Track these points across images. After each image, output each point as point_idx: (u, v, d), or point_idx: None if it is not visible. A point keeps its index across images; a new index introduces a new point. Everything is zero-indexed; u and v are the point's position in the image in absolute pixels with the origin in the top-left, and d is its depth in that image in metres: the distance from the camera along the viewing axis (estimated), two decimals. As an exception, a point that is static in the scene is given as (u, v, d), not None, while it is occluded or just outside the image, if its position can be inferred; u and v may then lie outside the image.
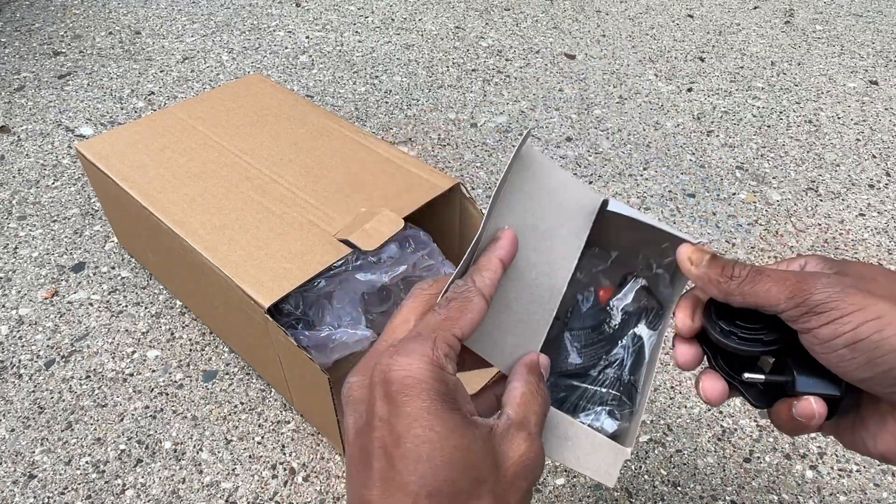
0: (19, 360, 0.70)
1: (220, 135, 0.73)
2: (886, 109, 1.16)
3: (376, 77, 1.20)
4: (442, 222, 0.70)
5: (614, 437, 0.37)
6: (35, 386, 0.68)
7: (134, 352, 0.71)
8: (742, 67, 1.28)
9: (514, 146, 1.03)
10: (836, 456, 0.63)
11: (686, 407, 0.67)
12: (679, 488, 0.60)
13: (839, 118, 1.13)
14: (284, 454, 0.62)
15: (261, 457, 0.62)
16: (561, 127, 1.09)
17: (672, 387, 0.69)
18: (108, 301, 0.76)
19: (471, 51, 1.30)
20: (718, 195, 0.95)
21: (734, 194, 0.96)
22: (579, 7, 1.49)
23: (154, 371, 0.69)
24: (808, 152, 1.05)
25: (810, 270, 0.34)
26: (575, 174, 0.98)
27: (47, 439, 0.63)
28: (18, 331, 0.73)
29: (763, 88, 1.21)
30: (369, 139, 0.73)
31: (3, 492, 0.59)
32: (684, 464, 0.62)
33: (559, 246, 0.38)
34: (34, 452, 0.62)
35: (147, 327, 0.74)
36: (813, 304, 0.30)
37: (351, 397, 0.30)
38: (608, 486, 0.38)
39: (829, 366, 0.31)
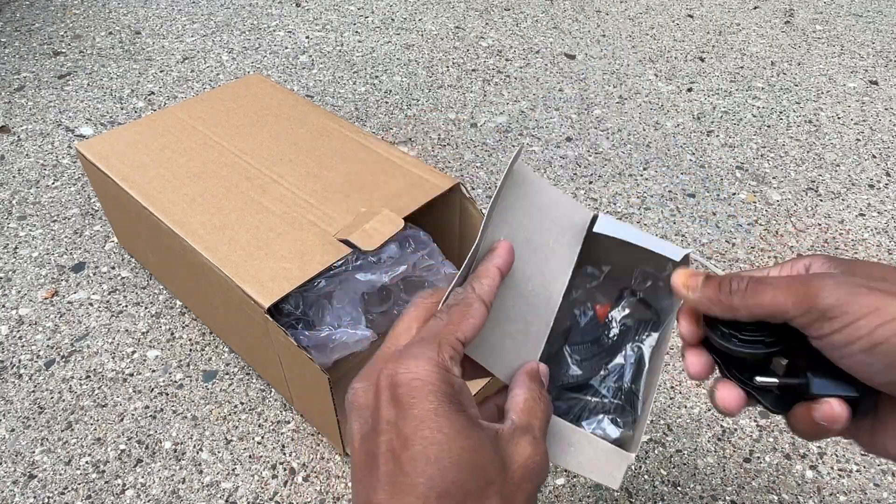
0: (19, 360, 0.70)
1: (220, 135, 0.73)
2: (886, 109, 1.16)
3: (376, 77, 1.20)
4: (442, 222, 0.70)
5: (618, 443, 0.37)
6: (35, 386, 0.68)
7: (134, 352, 0.71)
8: (742, 67, 1.28)
9: (514, 146, 1.03)
10: (836, 456, 0.63)
11: (686, 407, 0.67)
12: (679, 488, 0.60)
13: (839, 118, 1.13)
14: (284, 454, 0.62)
15: (261, 457, 0.62)
16: (561, 127, 1.09)
17: (672, 387, 0.69)
18: (108, 301, 0.76)
19: (471, 51, 1.30)
20: (718, 195, 0.95)
21: (734, 194, 0.96)
22: (579, 7, 1.49)
23: (154, 371, 0.69)
24: (808, 152, 1.05)
25: (815, 271, 0.32)
26: (574, 174, 0.98)
27: (47, 439, 0.63)
28: (18, 331, 0.73)
29: (763, 88, 1.21)
30: (369, 139, 0.73)
31: (3, 492, 0.59)
32: (684, 464, 0.62)
33: (552, 259, 0.39)
34: (34, 452, 0.62)
35: (147, 327, 0.74)
36: (822, 309, 0.28)
37: (356, 403, 0.30)
38: (612, 489, 0.38)
39: (848, 370, 0.29)
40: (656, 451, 0.63)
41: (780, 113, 1.14)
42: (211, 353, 0.71)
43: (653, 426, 0.65)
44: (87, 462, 0.61)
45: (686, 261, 0.40)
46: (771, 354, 0.32)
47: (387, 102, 1.13)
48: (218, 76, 1.19)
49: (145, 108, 1.10)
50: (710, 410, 0.66)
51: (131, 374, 0.69)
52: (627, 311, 0.43)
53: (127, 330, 0.73)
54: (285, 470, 0.61)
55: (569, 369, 0.41)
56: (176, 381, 0.68)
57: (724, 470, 0.62)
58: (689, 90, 1.20)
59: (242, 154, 0.70)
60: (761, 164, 1.02)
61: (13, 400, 0.66)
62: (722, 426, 0.65)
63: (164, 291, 0.78)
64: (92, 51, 1.25)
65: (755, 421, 0.66)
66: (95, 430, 0.64)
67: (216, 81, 1.17)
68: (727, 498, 0.60)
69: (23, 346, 0.72)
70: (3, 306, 0.76)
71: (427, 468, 0.26)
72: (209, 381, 0.68)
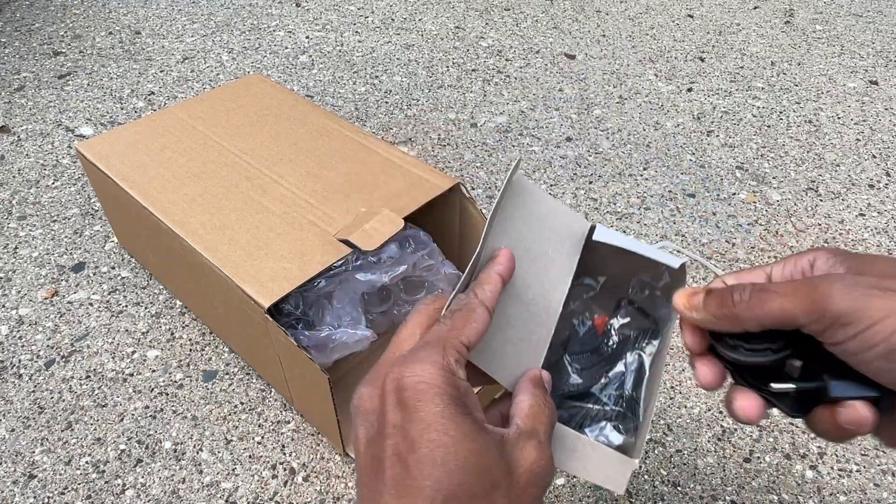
0: (19, 360, 0.70)
1: (220, 135, 0.73)
2: (886, 109, 1.16)
3: (376, 77, 1.20)
4: (442, 222, 0.70)
5: (621, 449, 0.38)
6: (35, 386, 0.68)
7: (134, 352, 0.71)
8: (742, 67, 1.28)
9: (514, 146, 1.03)
10: (836, 456, 0.63)
11: (686, 407, 0.67)
12: (679, 488, 0.60)
13: (839, 118, 1.13)
14: (284, 454, 0.62)
15: (261, 457, 0.62)
16: (561, 127, 1.09)
17: (672, 387, 0.69)
18: (108, 301, 0.76)
19: (471, 51, 1.30)
20: (718, 195, 0.95)
21: (734, 194, 0.96)
22: (579, 7, 1.49)
23: (154, 371, 0.69)
24: (808, 152, 1.05)
25: (821, 271, 0.31)
26: (574, 174, 0.98)
27: (47, 439, 0.63)
28: (18, 331, 0.73)
29: (763, 88, 1.21)
30: (369, 139, 0.73)
31: (3, 492, 0.59)
32: (684, 464, 0.62)
33: (552, 268, 0.40)
34: (34, 452, 0.62)
35: (147, 327, 0.74)
36: (835, 315, 0.27)
37: (361, 408, 0.30)
38: (618, 494, 0.38)
39: (866, 374, 0.28)
40: (656, 451, 0.63)
41: (780, 113, 1.14)
42: (211, 353, 0.71)
43: (653, 426, 0.65)
44: (87, 462, 0.61)
45: (683, 269, 0.40)
46: (782, 359, 0.31)
47: (387, 102, 1.13)
48: (218, 76, 1.19)
49: (145, 108, 1.10)
50: (709, 410, 0.66)
51: (131, 374, 0.69)
52: (626, 320, 0.43)
53: (127, 330, 0.73)
54: (285, 470, 0.61)
55: (569, 378, 0.41)
56: (176, 381, 0.68)
57: (724, 470, 0.62)
58: (689, 90, 1.20)
59: (242, 154, 0.70)
60: (761, 164, 1.02)
61: (13, 400, 0.66)
62: (722, 426, 0.65)
63: (164, 291, 0.78)
64: (92, 51, 1.25)
65: (755, 421, 0.66)
66: (95, 430, 0.64)
67: (216, 81, 1.17)
68: (727, 498, 0.60)
69: (23, 346, 0.72)
70: (3, 306, 0.76)
71: (434, 471, 0.26)
72: (209, 381, 0.68)
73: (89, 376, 0.69)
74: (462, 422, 0.28)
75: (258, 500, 0.59)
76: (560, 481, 0.61)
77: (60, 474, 0.60)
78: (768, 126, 1.11)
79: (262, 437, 0.63)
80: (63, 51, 1.25)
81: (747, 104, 1.17)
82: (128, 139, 0.72)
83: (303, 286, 0.56)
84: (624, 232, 0.88)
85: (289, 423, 0.65)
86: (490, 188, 0.95)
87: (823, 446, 0.64)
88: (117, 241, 0.84)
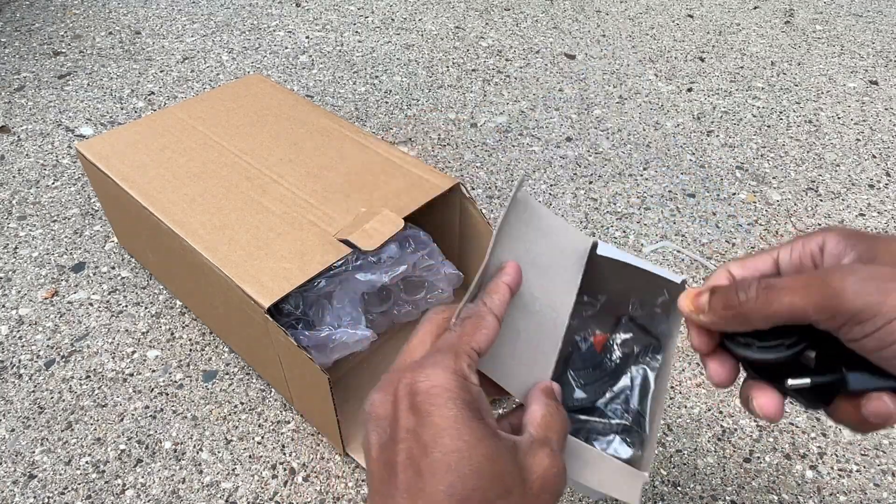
0: (19, 360, 0.70)
1: (220, 135, 0.73)
2: (886, 109, 1.16)
3: (376, 77, 1.20)
4: (442, 222, 0.70)
5: (629, 462, 0.38)
6: (35, 386, 0.68)
7: (134, 352, 0.71)
8: (742, 67, 1.28)
9: (514, 146, 1.03)
10: (836, 456, 0.63)
11: (686, 407, 0.67)
12: (679, 488, 0.60)
13: (839, 118, 1.13)
14: (284, 454, 0.62)
15: (261, 457, 0.62)
16: (561, 127, 1.09)
17: (672, 387, 0.69)
18: (108, 301, 0.76)
19: (471, 51, 1.30)
20: (718, 195, 0.95)
21: (734, 194, 0.96)
22: (579, 7, 1.49)
23: (154, 371, 0.69)
24: (808, 152, 1.05)
25: (831, 256, 0.30)
26: (574, 174, 0.98)
27: (47, 439, 0.63)
28: (18, 331, 0.73)
29: (763, 88, 1.21)
30: (369, 139, 0.73)
31: (3, 492, 0.59)
32: (684, 464, 0.62)
33: (558, 281, 0.40)
34: (34, 452, 0.62)
35: (147, 327, 0.74)
36: (850, 312, 0.26)
37: (373, 413, 0.30)
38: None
39: (887, 370, 0.27)
40: (656, 451, 0.63)
41: (780, 113, 1.14)
42: (211, 353, 0.71)
43: (653, 426, 0.65)
44: (87, 462, 0.61)
45: (684, 286, 0.41)
46: (797, 354, 0.30)
47: (387, 102, 1.13)
48: (218, 76, 1.19)
49: (145, 108, 1.10)
50: (709, 410, 0.66)
51: (131, 374, 0.69)
52: (627, 336, 0.44)
53: (127, 330, 0.73)
54: (285, 470, 0.61)
55: (573, 392, 0.42)
56: (176, 381, 0.68)
57: (724, 470, 0.62)
58: (689, 90, 1.20)
59: (242, 154, 0.70)
60: (761, 164, 1.02)
61: (13, 400, 0.66)
62: (722, 426, 0.65)
63: (164, 291, 0.78)
64: (92, 51, 1.25)
65: (755, 421, 0.66)
66: (95, 430, 0.64)
67: (216, 81, 1.17)
68: (727, 498, 0.60)
69: (23, 346, 0.72)
70: (3, 306, 0.76)
71: (447, 476, 0.26)
72: (209, 381, 0.68)
73: (89, 376, 0.69)
74: (475, 427, 0.27)
75: (258, 500, 0.59)
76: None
77: (60, 474, 0.60)
78: (768, 126, 1.11)
79: (262, 437, 0.63)
80: (63, 51, 1.25)
81: (747, 104, 1.17)
82: (128, 139, 0.72)
83: (303, 286, 0.56)
84: (624, 232, 0.88)
85: (289, 423, 0.65)
86: (490, 188, 0.95)
87: (823, 446, 0.64)
88: (117, 241, 0.84)
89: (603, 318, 0.45)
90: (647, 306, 0.44)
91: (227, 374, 0.69)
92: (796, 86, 1.22)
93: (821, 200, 0.95)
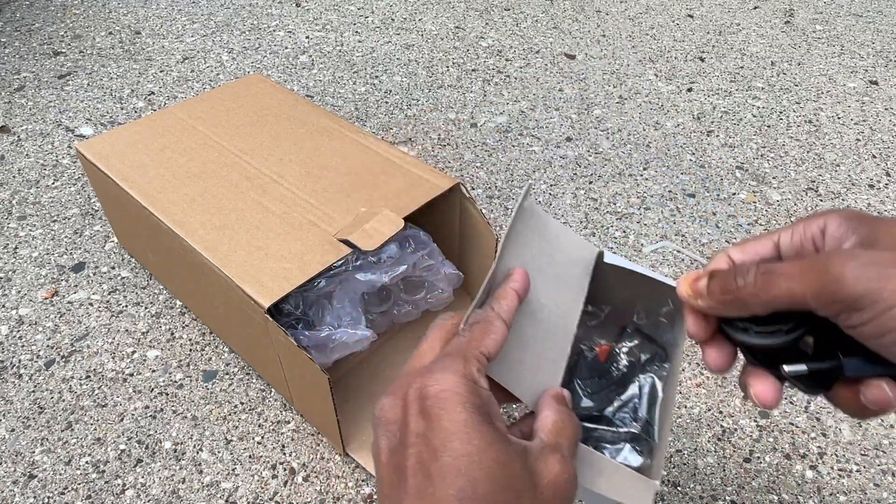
0: (19, 360, 0.70)
1: (220, 135, 0.73)
2: (886, 109, 1.16)
3: (376, 77, 1.20)
4: (442, 222, 0.70)
5: (639, 471, 0.38)
6: (35, 386, 0.68)
7: (134, 352, 0.71)
8: (742, 67, 1.28)
9: (514, 146, 1.03)
10: (836, 456, 0.63)
11: (686, 407, 0.67)
12: (679, 488, 0.60)
13: (839, 118, 1.13)
14: (284, 454, 0.62)
15: (261, 457, 0.62)
16: (561, 127, 1.09)
17: (672, 387, 0.69)
18: (108, 301, 0.76)
19: (471, 51, 1.30)
20: (718, 195, 0.95)
21: (734, 194, 0.96)
22: (579, 7, 1.49)
23: (154, 371, 0.69)
24: (808, 152, 1.05)
25: (832, 239, 0.30)
26: (574, 174, 0.98)
27: (47, 439, 0.63)
28: (18, 331, 0.73)
29: (763, 88, 1.21)
30: (369, 139, 0.73)
31: (3, 492, 0.59)
32: (684, 464, 0.62)
33: (565, 290, 0.40)
34: (34, 452, 0.62)
35: (147, 327, 0.74)
36: (848, 299, 0.25)
37: (383, 418, 0.30)
38: None
39: (886, 357, 0.26)
40: (656, 451, 0.63)
41: (780, 113, 1.14)
42: (211, 353, 0.71)
43: (653, 426, 0.65)
44: (87, 462, 0.61)
45: None
46: (795, 340, 0.29)
47: (387, 102, 1.13)
48: (218, 76, 1.19)
49: (145, 108, 1.10)
50: (709, 410, 0.66)
51: (131, 374, 0.69)
52: (633, 344, 0.44)
53: (127, 330, 0.73)
54: (285, 470, 0.61)
55: (581, 401, 0.42)
56: (176, 381, 0.68)
57: (724, 470, 0.62)
58: (689, 90, 1.20)
59: (242, 154, 0.70)
60: (761, 164, 1.02)
61: (13, 400, 0.66)
62: (722, 426, 0.65)
63: (164, 291, 0.78)
64: (92, 51, 1.25)
65: (755, 421, 0.66)
66: (95, 430, 0.64)
67: (216, 81, 1.17)
68: (727, 498, 0.60)
69: (23, 346, 0.72)
70: (3, 306, 0.76)
71: (457, 480, 0.26)
72: (209, 381, 0.68)
73: (89, 376, 0.69)
74: (486, 431, 0.27)
75: (258, 500, 0.59)
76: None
77: (60, 474, 0.60)
78: (768, 126, 1.11)
79: (262, 437, 0.63)
80: (63, 51, 1.25)
81: (747, 104, 1.17)
82: (128, 139, 0.72)
83: (303, 286, 0.56)
84: (624, 232, 0.88)
85: (289, 423, 0.65)
86: (490, 188, 0.95)
87: (823, 446, 0.64)
88: (117, 241, 0.84)
89: (607, 329, 0.45)
90: (653, 315, 0.44)
91: (227, 374, 0.69)
92: (796, 86, 1.22)
93: (821, 200, 0.95)
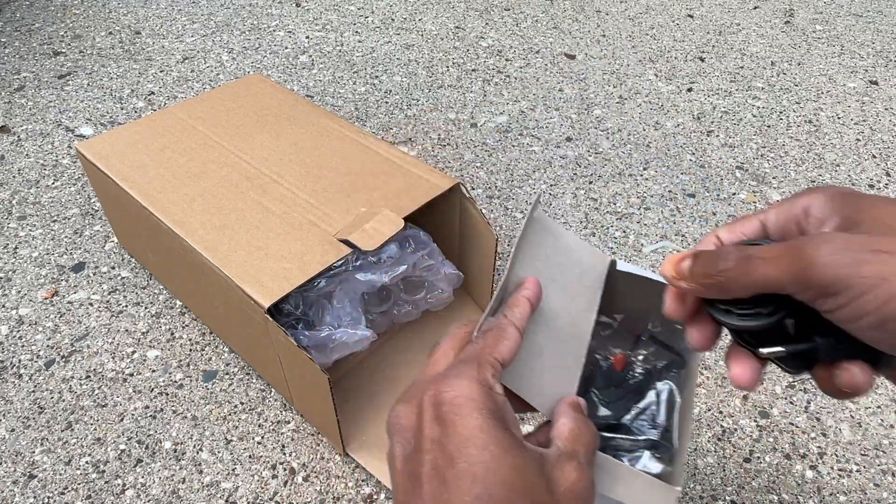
0: (19, 360, 0.70)
1: (220, 135, 0.73)
2: (886, 109, 1.16)
3: (376, 77, 1.20)
4: (442, 222, 0.70)
5: (660, 478, 0.38)
6: (35, 386, 0.68)
7: (134, 352, 0.71)
8: (742, 67, 1.28)
9: (514, 146, 1.03)
10: (836, 456, 0.63)
11: (686, 407, 0.67)
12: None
13: (839, 118, 1.13)
14: (284, 454, 0.62)
15: (261, 457, 0.62)
16: (561, 127, 1.09)
17: (672, 387, 0.69)
18: (108, 301, 0.76)
19: (471, 51, 1.30)
20: (718, 195, 0.95)
21: (734, 194, 0.96)
22: (579, 7, 1.49)
23: (154, 371, 0.69)
24: (808, 152, 1.05)
25: (815, 219, 0.29)
26: (574, 174, 0.98)
27: (47, 439, 0.63)
28: (18, 331, 0.73)
29: (763, 88, 1.21)
30: (369, 139, 0.73)
31: (3, 492, 0.59)
32: (684, 464, 0.62)
33: (578, 299, 0.40)
34: (34, 452, 0.62)
35: (147, 327, 0.74)
36: (822, 284, 0.25)
37: (398, 425, 0.30)
38: None
39: (862, 340, 0.26)
40: (656, 451, 0.63)
41: (780, 113, 1.14)
42: (211, 353, 0.71)
43: (653, 426, 0.65)
44: (87, 462, 0.61)
45: None
46: (776, 322, 0.30)
47: (387, 102, 1.13)
48: (218, 76, 1.19)
49: (145, 108, 1.10)
50: (709, 410, 0.66)
51: (131, 374, 0.69)
52: (649, 351, 0.44)
53: (127, 330, 0.73)
54: (285, 470, 0.61)
55: (598, 410, 0.42)
56: (176, 381, 0.68)
57: (724, 470, 0.62)
58: (689, 90, 1.20)
59: (242, 154, 0.70)
60: (761, 164, 1.02)
61: (13, 400, 0.66)
62: (722, 426, 0.65)
63: (164, 291, 0.78)
64: (92, 51, 1.25)
65: (755, 421, 0.66)
66: (95, 430, 0.64)
67: (216, 81, 1.17)
68: (727, 498, 0.60)
69: (23, 346, 0.72)
70: (3, 306, 0.76)
71: (473, 487, 0.26)
72: (209, 381, 0.68)
73: (89, 376, 0.69)
74: (501, 437, 0.27)
75: (258, 500, 0.59)
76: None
77: (60, 474, 0.60)
78: (768, 126, 1.11)
79: (262, 437, 0.63)
80: (63, 51, 1.25)
81: (747, 104, 1.17)
82: (128, 139, 0.72)
83: (303, 286, 0.56)
84: (624, 232, 0.88)
85: (289, 423, 0.65)
86: (490, 188, 0.95)
87: (823, 446, 0.64)
88: (117, 241, 0.84)
89: (620, 338, 0.45)
90: (668, 322, 0.44)
91: (227, 374, 0.69)
92: (796, 86, 1.22)
93: (821, 200, 0.95)
